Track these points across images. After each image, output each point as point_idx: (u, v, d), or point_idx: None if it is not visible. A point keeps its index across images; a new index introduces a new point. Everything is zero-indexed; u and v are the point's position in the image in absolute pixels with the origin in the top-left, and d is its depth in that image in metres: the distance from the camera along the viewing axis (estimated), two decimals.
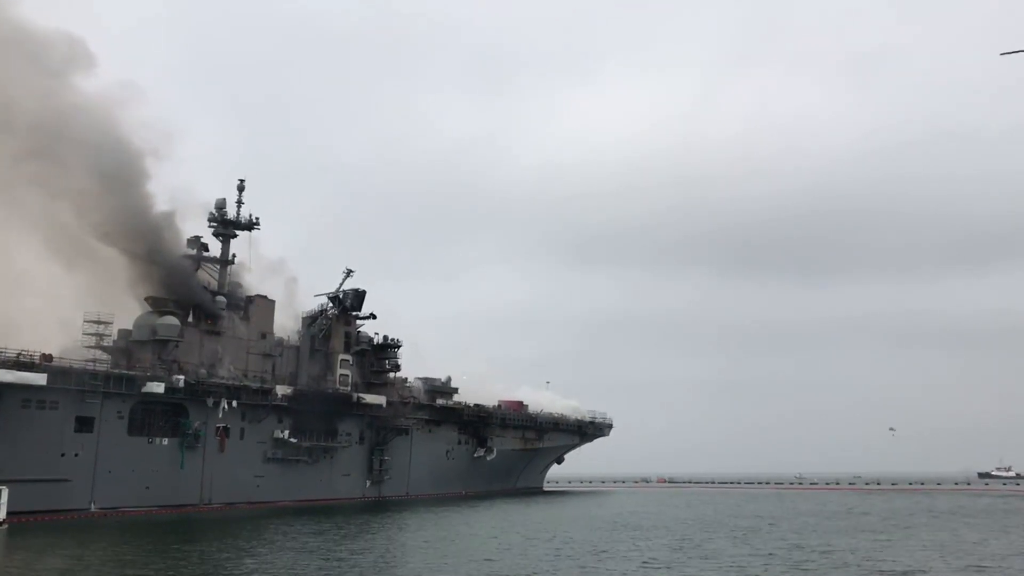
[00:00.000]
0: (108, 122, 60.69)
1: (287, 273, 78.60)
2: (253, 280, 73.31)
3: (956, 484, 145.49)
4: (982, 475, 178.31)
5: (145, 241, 61.36)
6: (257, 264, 73.66)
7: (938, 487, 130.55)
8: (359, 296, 79.17)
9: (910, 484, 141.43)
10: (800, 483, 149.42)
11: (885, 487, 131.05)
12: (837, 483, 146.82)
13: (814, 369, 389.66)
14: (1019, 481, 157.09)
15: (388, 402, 76.71)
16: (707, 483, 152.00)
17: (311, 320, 77.39)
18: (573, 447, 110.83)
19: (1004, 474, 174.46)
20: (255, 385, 64.55)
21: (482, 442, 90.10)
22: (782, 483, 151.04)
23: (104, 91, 61.37)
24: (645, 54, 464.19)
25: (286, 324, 75.86)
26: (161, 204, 64.69)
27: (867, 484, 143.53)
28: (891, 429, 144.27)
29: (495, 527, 48.01)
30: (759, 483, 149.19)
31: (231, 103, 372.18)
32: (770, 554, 34.31)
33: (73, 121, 57.88)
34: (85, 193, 57.69)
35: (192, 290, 64.80)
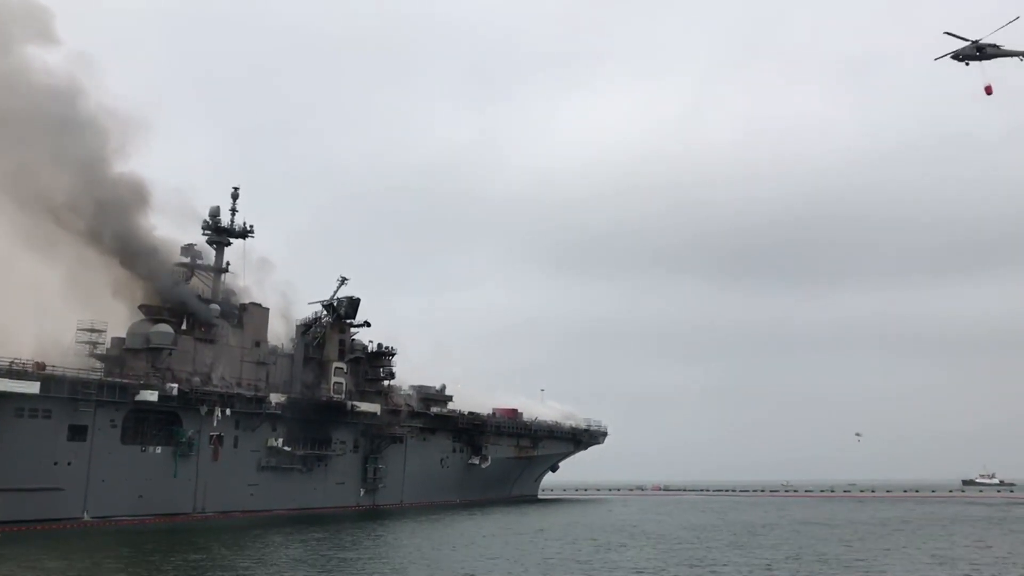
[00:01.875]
0: (64, 96, 59.02)
1: (281, 281, 78.61)
2: (247, 288, 73.22)
3: (951, 491, 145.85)
4: (966, 482, 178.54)
5: (101, 222, 60.16)
6: (251, 272, 73.61)
7: (932, 495, 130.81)
8: (353, 304, 79.07)
9: (904, 491, 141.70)
10: (794, 491, 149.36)
11: (880, 494, 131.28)
12: (832, 491, 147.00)
13: (809, 376, 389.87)
14: (1012, 488, 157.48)
15: (382, 410, 76.64)
16: (702, 491, 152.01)
17: (305, 328, 77.33)
18: (568, 455, 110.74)
19: (988, 481, 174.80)
20: (249, 393, 64.42)
21: (477, 450, 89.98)
22: (777, 491, 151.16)
23: (64, 65, 59.84)
24: (641, 59, 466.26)
25: (280, 332, 75.76)
26: (132, 195, 63.38)
27: (862, 491, 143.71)
28: (857, 435, 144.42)
29: (487, 537, 47.90)
30: (754, 491, 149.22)
31: (224, 109, 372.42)
32: None
33: (22, 92, 56.23)
34: (31, 169, 56.04)
35: (159, 274, 63.57)
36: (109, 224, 60.73)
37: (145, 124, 65.67)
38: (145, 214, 64.67)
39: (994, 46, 44.42)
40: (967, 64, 44.90)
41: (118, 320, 59.82)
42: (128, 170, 63.55)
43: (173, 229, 67.44)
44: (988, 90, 45.07)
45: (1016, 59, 45.07)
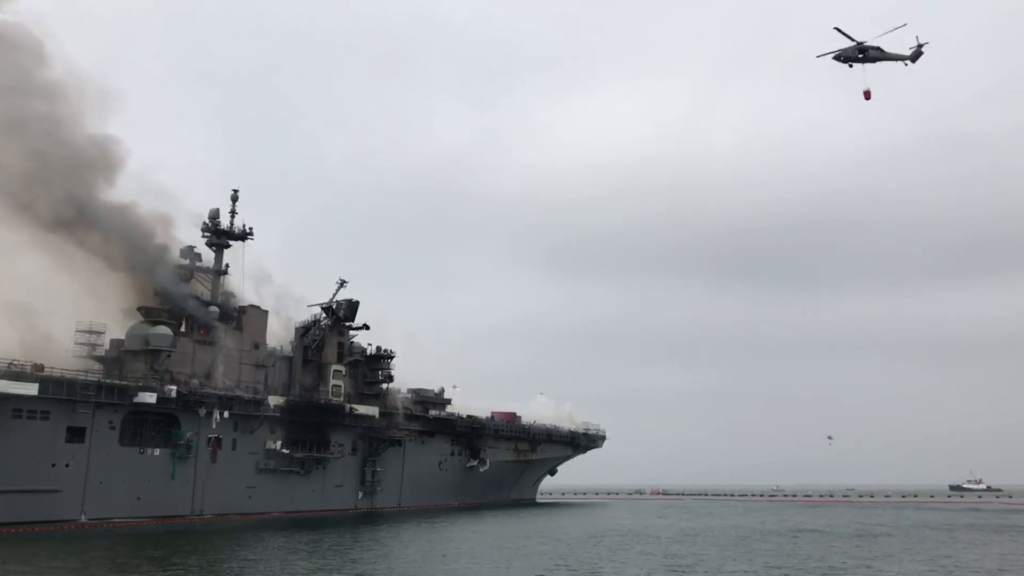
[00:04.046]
0: (22, 57, 57.49)
1: (280, 283, 78.59)
2: (245, 290, 73.15)
3: (948, 497, 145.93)
4: (954, 488, 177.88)
5: (58, 186, 58.65)
6: (250, 274, 73.46)
7: (932, 499, 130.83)
8: (352, 307, 78.98)
9: (903, 496, 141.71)
10: (792, 495, 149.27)
11: (879, 499, 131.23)
12: (831, 495, 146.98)
13: (804, 379, 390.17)
14: (1010, 494, 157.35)
15: (381, 413, 76.61)
16: (700, 495, 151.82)
17: (304, 330, 77.22)
18: (566, 459, 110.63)
19: (975, 487, 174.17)
20: (247, 395, 64.38)
21: (475, 453, 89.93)
22: (775, 495, 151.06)
23: (21, 28, 58.06)
24: (641, 60, 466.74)
25: (279, 334, 75.70)
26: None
27: (860, 496, 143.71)
28: (829, 438, 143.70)
29: (484, 541, 47.84)
30: (753, 495, 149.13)
31: (221, 109, 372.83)
32: None
33: None
34: None
35: (128, 237, 62.34)
36: (60, 187, 58.78)
37: (109, 91, 64.16)
38: (110, 179, 63.14)
39: (877, 49, 44.09)
40: (850, 66, 44.58)
41: (89, 287, 58.33)
42: (90, 133, 62.02)
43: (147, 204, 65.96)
44: (867, 95, 44.79)
45: (902, 63, 44.99)
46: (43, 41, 59.84)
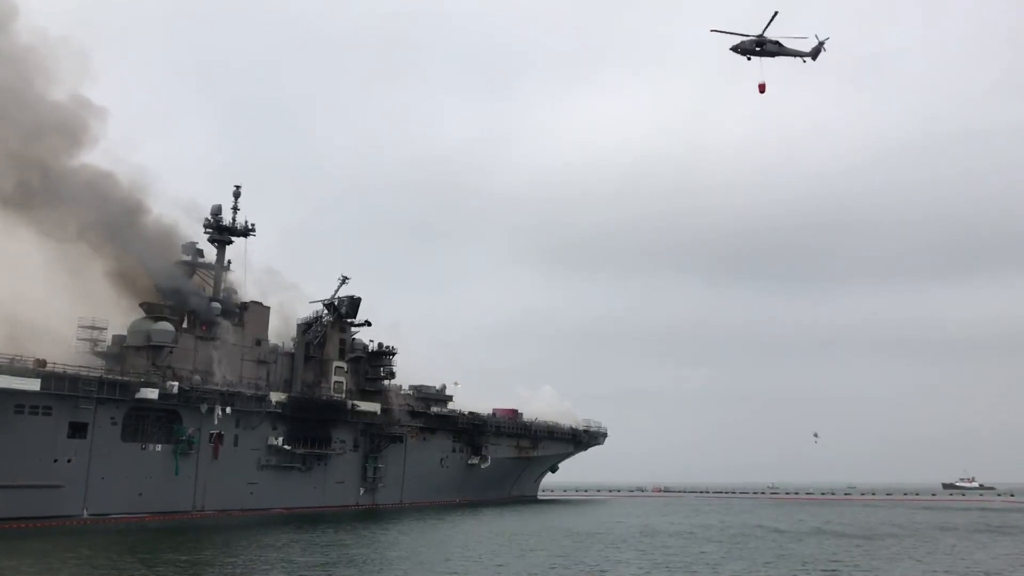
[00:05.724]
0: None
1: (282, 279, 78.59)
2: (247, 286, 73.15)
3: (951, 495, 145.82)
4: (947, 486, 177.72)
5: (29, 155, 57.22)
6: (251, 270, 73.48)
7: (933, 498, 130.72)
8: (354, 303, 79.07)
9: (904, 495, 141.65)
10: (795, 493, 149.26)
11: (880, 497, 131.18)
12: (832, 493, 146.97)
13: (806, 378, 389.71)
14: (1010, 493, 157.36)
15: (382, 409, 76.64)
16: (701, 492, 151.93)
17: (306, 327, 77.28)
18: (568, 455, 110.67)
19: (968, 485, 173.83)
20: (249, 392, 64.42)
21: (476, 450, 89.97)
22: (777, 492, 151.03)
23: None
24: (646, 58, 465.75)
25: (280, 330, 75.70)
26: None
27: (863, 494, 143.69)
28: (814, 435, 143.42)
29: (484, 540, 47.82)
30: (754, 493, 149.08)
31: (222, 105, 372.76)
32: None
33: None
34: None
35: (107, 213, 61.08)
36: (16, 154, 56.82)
37: (84, 56, 62.44)
38: (76, 145, 61.75)
39: (776, 43, 43.89)
40: (748, 59, 44.38)
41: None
42: (55, 99, 60.16)
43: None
44: (762, 88, 44.75)
45: (800, 60, 44.91)
46: (16, 6, 58.31)
